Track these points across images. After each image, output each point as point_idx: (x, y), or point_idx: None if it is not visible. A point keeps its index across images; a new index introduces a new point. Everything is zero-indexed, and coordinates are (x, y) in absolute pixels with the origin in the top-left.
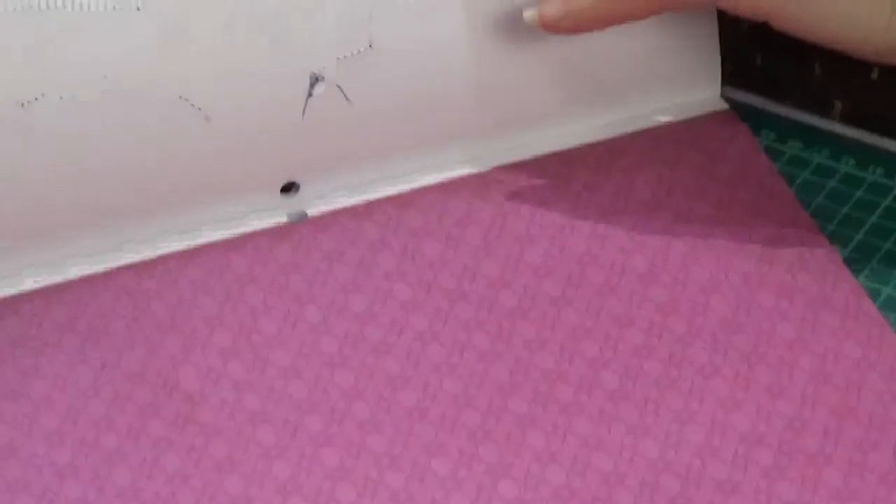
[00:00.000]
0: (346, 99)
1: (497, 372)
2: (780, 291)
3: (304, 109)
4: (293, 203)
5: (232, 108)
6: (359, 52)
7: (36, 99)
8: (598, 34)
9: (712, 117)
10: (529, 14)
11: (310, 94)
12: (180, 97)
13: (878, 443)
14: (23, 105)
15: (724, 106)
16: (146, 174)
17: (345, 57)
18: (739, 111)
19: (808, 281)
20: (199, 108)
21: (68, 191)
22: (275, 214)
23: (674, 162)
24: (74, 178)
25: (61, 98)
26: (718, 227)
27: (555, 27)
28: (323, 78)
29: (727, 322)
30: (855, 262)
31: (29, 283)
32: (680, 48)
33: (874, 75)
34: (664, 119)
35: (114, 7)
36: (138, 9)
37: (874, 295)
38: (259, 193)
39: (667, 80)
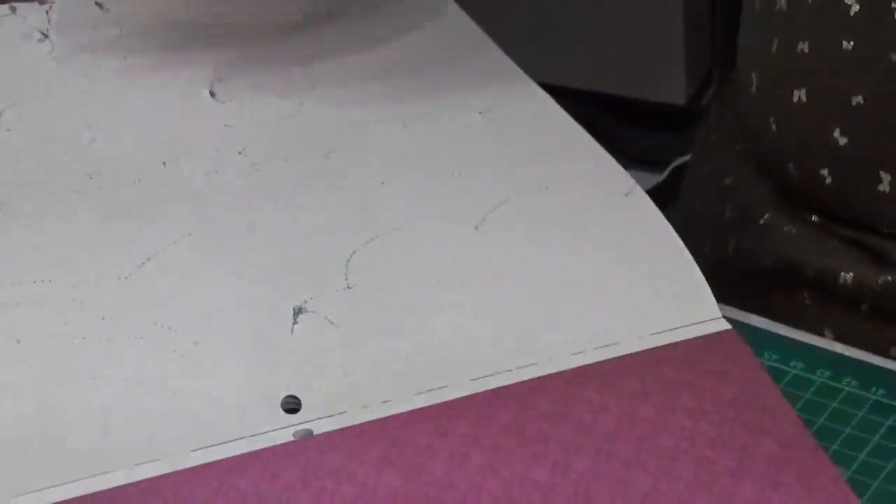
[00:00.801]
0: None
1: None
2: None
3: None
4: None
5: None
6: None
7: None
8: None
9: (713, 337)
10: None
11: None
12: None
13: None
14: None
15: (726, 326)
16: None
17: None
18: (741, 331)
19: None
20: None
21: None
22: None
23: (675, 382)
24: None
25: None
26: (723, 449)
27: None
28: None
29: None
30: (858, 483)
31: None
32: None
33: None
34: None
35: None
36: None
37: None
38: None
39: (661, 301)
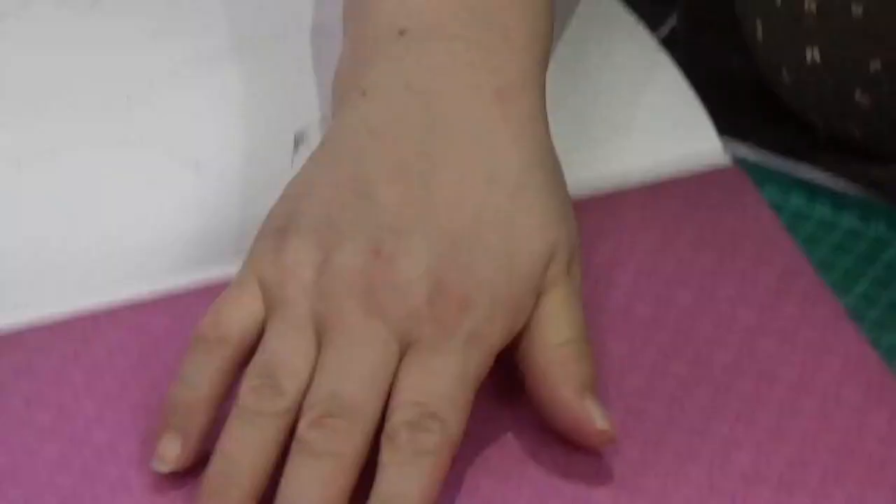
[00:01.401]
0: None
1: None
2: (783, 339)
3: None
4: None
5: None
6: None
7: None
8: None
9: (716, 172)
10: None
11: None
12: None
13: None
14: None
15: (728, 161)
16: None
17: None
18: (743, 166)
19: (811, 330)
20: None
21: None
22: None
23: (677, 215)
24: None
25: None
26: (722, 277)
27: None
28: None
29: (728, 368)
30: (857, 313)
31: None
32: (667, 105)
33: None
34: (667, 173)
35: None
36: None
37: (875, 344)
38: None
39: (665, 134)
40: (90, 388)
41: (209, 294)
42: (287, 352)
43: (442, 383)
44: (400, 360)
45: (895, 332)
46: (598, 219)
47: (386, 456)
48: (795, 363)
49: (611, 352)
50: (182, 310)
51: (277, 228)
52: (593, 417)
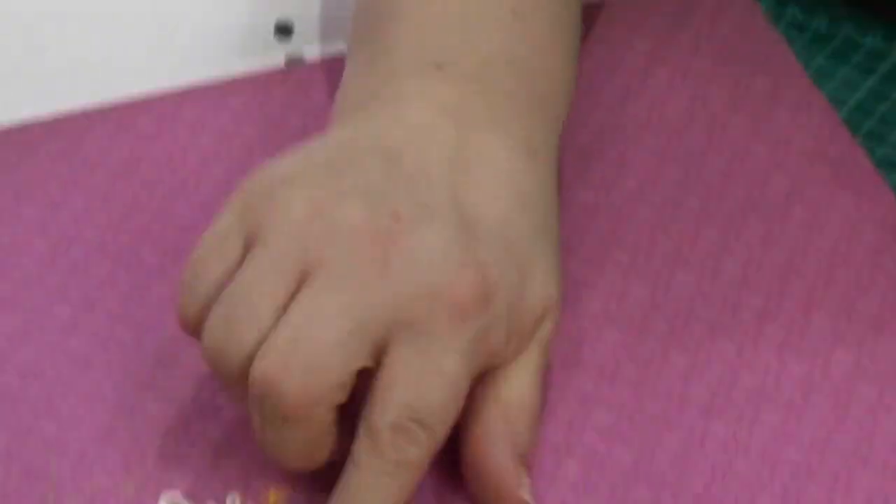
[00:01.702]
0: None
1: None
2: (776, 145)
3: None
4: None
5: None
6: None
7: None
8: None
9: None
10: None
11: None
12: None
13: (867, 288)
14: None
15: None
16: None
17: None
18: None
19: (805, 136)
20: None
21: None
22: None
23: (673, 24)
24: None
25: None
26: (716, 83)
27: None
28: None
29: (720, 173)
30: (852, 123)
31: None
32: None
33: None
34: None
35: None
36: None
37: (870, 153)
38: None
39: None
40: (78, 185)
41: (195, 97)
42: (255, 291)
43: (439, 388)
44: (388, 337)
45: (888, 145)
46: (594, 29)
47: (364, 455)
48: (789, 168)
49: (607, 154)
50: (169, 111)
51: (279, 176)
52: (522, 486)
